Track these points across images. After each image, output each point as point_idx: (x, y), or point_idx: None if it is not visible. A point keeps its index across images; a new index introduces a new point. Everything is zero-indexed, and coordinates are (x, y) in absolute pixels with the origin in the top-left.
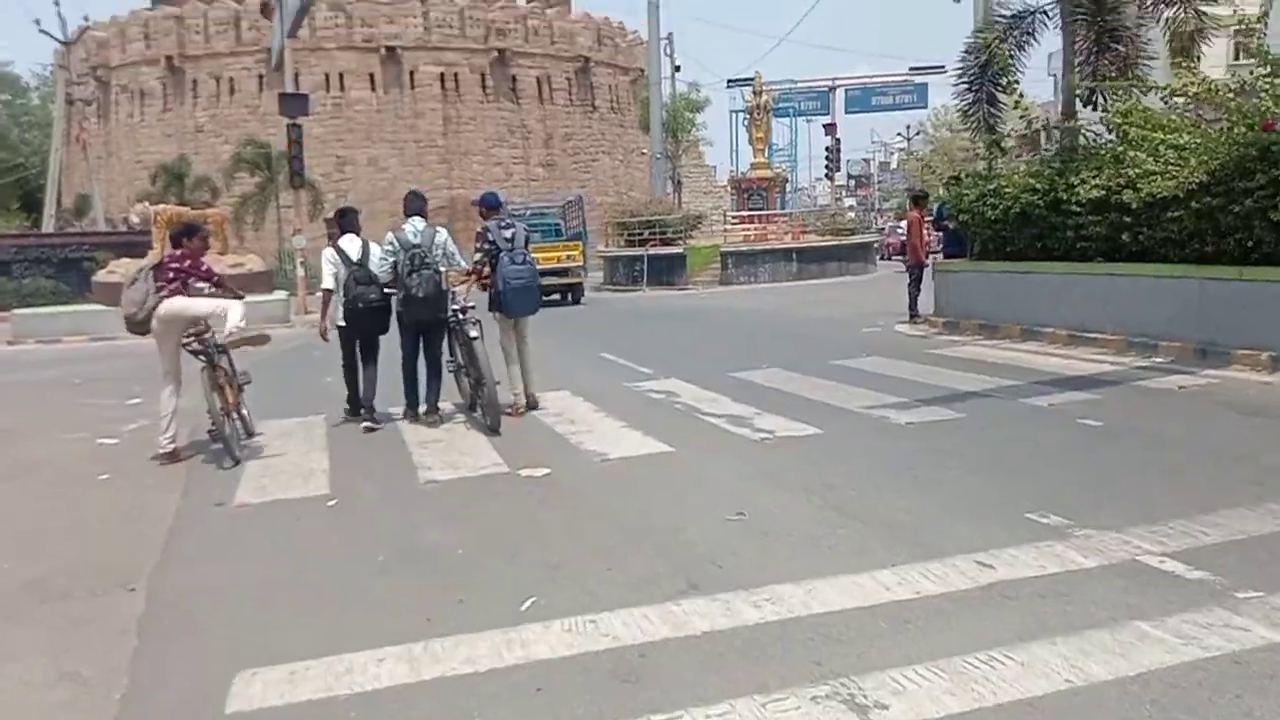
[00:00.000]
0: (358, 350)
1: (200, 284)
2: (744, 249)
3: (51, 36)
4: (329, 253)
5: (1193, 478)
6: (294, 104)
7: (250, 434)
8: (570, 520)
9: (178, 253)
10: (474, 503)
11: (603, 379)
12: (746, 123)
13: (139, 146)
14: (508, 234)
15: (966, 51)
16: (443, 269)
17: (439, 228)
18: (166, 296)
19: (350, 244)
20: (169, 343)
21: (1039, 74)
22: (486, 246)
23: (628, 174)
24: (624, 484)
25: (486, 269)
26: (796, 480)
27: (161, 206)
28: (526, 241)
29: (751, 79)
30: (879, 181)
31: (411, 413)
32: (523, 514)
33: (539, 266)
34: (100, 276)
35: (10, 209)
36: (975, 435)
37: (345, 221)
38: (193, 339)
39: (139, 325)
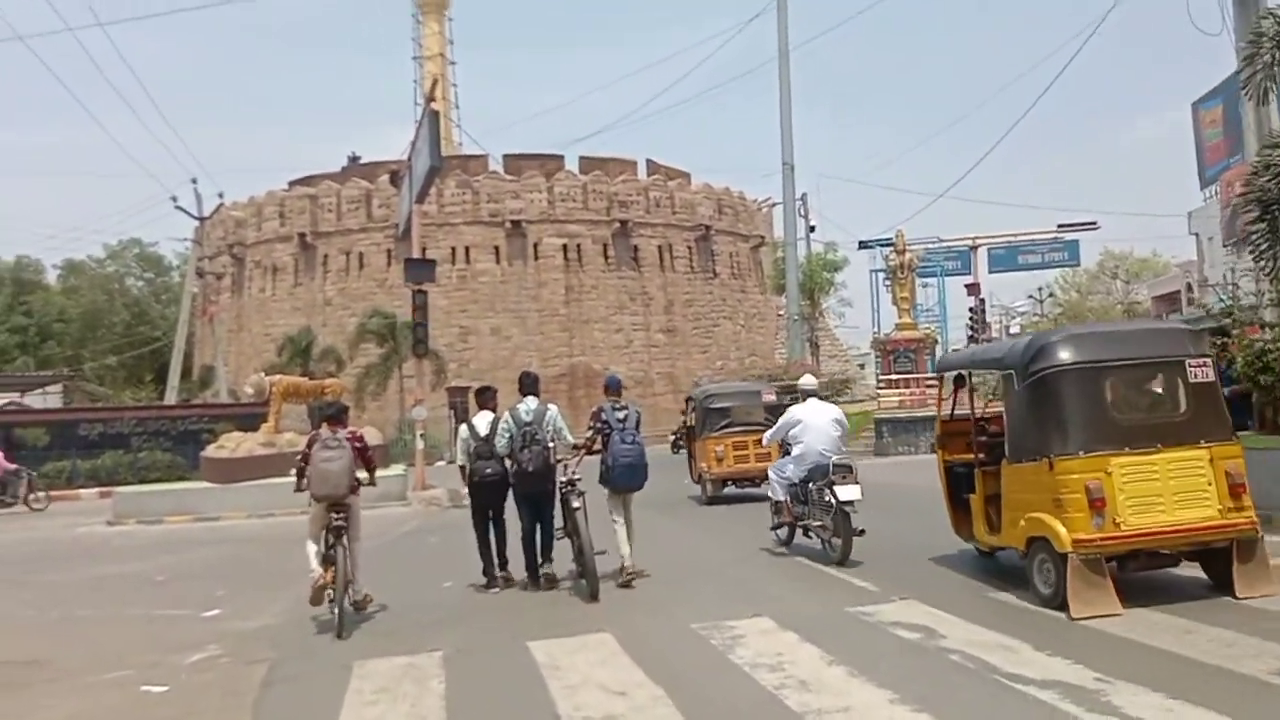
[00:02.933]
0: (488, 518)
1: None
2: (901, 415)
3: (187, 213)
4: (463, 429)
5: None
6: (420, 270)
7: (360, 605)
8: None
9: (356, 433)
10: None
11: (811, 597)
12: (888, 283)
13: (269, 320)
14: (620, 415)
15: (1254, 172)
16: (551, 444)
17: (549, 405)
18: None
19: (481, 420)
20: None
21: (1179, 234)
22: (599, 425)
23: (749, 339)
24: None
25: (597, 444)
26: None
27: (278, 377)
28: (638, 423)
29: (888, 239)
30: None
31: (531, 580)
32: None
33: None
34: (209, 452)
35: (144, 381)
36: None
37: (482, 398)
38: (337, 518)
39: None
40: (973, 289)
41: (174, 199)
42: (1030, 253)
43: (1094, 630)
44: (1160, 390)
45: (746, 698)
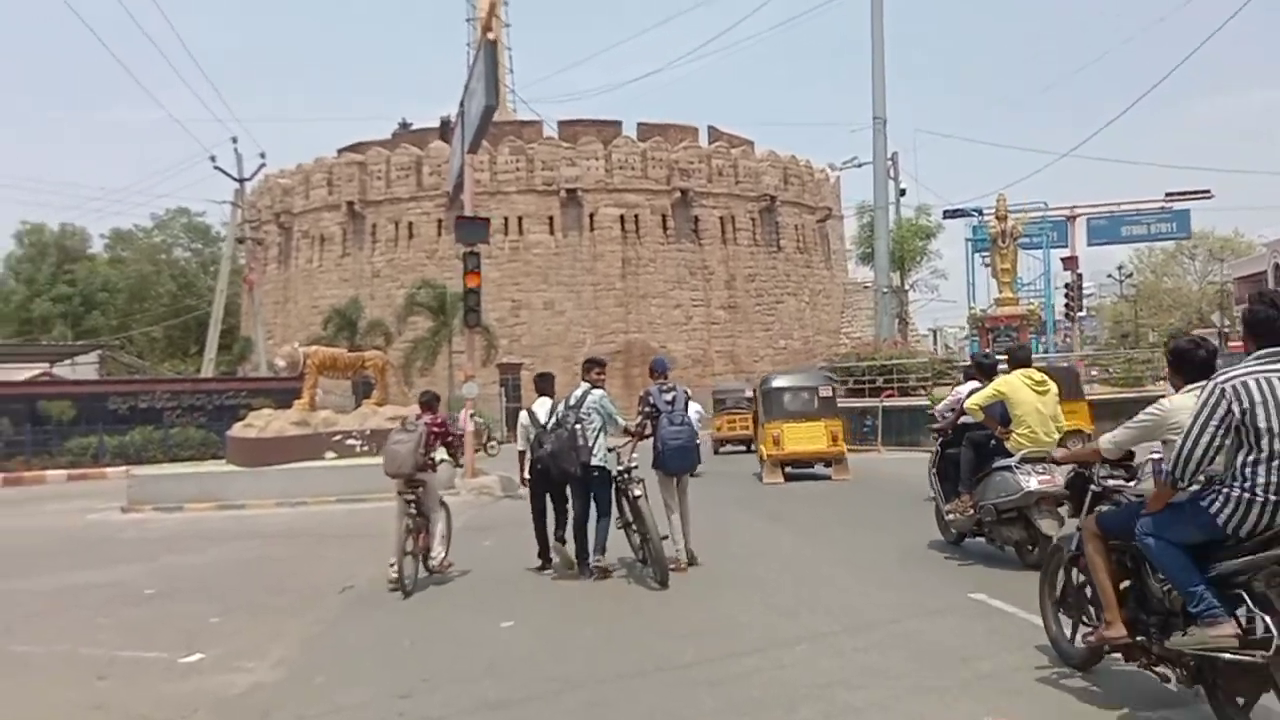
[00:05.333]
0: (547, 502)
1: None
2: None
3: (226, 174)
4: (524, 415)
5: None
6: (472, 230)
7: (438, 569)
8: None
9: (437, 419)
10: None
11: (1052, 678)
12: (986, 254)
13: (316, 291)
14: (668, 397)
15: None
16: (577, 426)
17: (594, 390)
18: (428, 459)
19: (541, 407)
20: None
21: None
22: (647, 409)
23: (814, 317)
24: None
25: (647, 429)
26: None
27: (313, 348)
28: (686, 405)
29: (977, 207)
30: (1066, 328)
31: (581, 567)
32: None
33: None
34: (235, 431)
35: (188, 354)
36: None
37: (542, 385)
38: (409, 491)
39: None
40: (1070, 262)
41: (212, 158)
42: (1135, 224)
43: None
44: (811, 397)
45: None
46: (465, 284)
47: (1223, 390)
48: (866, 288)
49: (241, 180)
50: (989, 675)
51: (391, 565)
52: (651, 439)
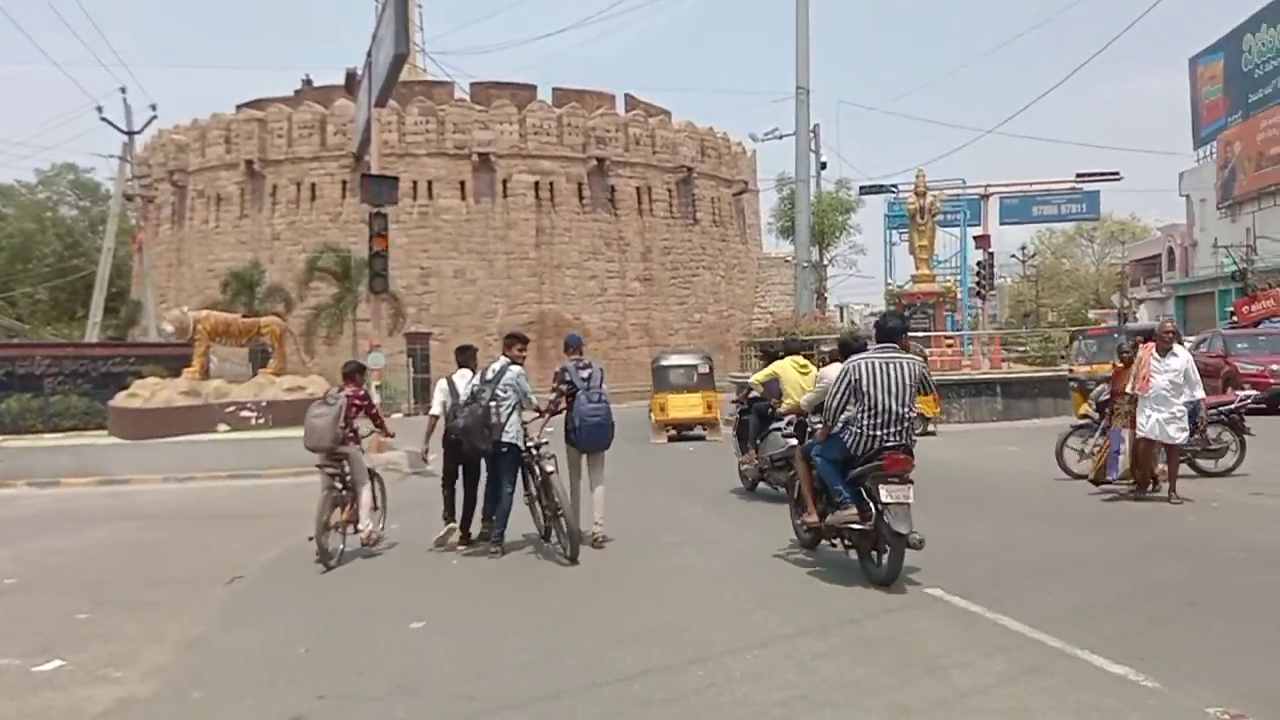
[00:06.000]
0: (460, 471)
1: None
2: (952, 378)
3: (114, 126)
4: (443, 383)
5: None
6: (380, 189)
7: (367, 542)
8: None
9: (359, 391)
10: None
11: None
12: (904, 231)
13: (212, 253)
14: (584, 374)
15: None
16: (493, 404)
17: (512, 365)
18: (349, 431)
19: (461, 379)
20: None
21: (1169, 194)
22: (563, 386)
23: (729, 291)
24: None
25: (561, 404)
26: None
27: (204, 313)
28: (601, 381)
29: (894, 185)
30: (974, 307)
31: (489, 539)
32: None
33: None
34: (118, 400)
35: (75, 316)
36: None
37: (463, 357)
38: (330, 464)
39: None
40: (982, 241)
41: (99, 109)
42: (1045, 204)
43: None
44: (692, 373)
45: None
46: (371, 247)
47: (848, 368)
48: (787, 262)
49: (130, 134)
50: (972, 691)
51: (310, 539)
52: (566, 415)
